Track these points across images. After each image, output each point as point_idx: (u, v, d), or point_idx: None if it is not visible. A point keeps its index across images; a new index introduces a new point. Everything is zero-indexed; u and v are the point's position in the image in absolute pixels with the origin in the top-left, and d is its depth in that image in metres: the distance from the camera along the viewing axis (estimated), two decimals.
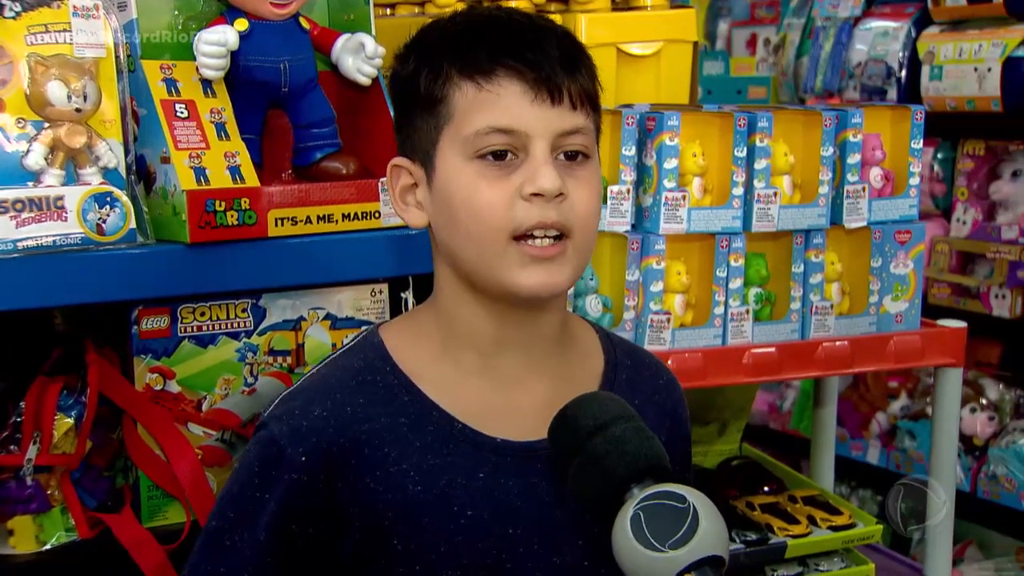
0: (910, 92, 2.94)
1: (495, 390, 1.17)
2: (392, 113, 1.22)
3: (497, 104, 1.10)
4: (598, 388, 1.21)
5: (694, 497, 1.00)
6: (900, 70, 2.98)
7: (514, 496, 1.15)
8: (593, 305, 1.65)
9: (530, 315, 1.16)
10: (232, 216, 1.43)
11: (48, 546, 1.45)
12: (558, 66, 1.11)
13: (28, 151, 1.34)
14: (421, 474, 1.12)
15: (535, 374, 1.18)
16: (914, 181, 1.81)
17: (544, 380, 1.18)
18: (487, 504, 1.14)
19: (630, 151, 1.65)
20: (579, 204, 1.11)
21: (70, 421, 1.44)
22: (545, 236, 1.10)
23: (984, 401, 2.89)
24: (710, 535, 0.98)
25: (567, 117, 1.11)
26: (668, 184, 1.64)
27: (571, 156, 1.12)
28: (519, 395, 1.17)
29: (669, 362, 1.64)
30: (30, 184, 1.33)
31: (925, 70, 2.87)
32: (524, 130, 1.10)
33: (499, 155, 1.10)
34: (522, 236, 1.09)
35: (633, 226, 1.67)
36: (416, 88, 1.14)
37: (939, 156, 3.02)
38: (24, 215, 1.31)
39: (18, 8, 1.34)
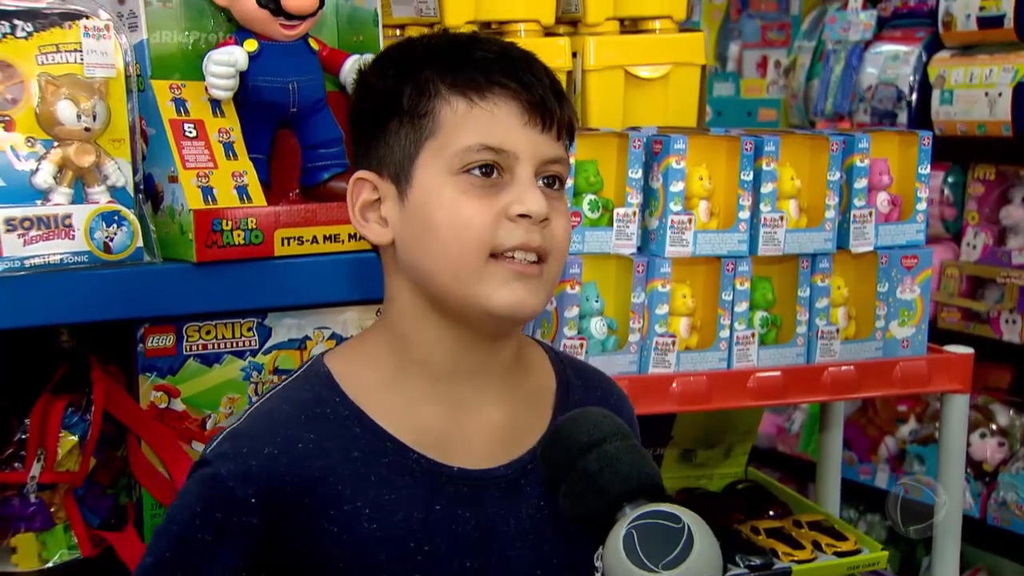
0: (920, 116, 2.94)
1: (448, 417, 1.14)
2: (354, 127, 1.19)
3: (490, 122, 1.09)
4: (551, 410, 1.19)
5: (688, 517, 0.97)
6: (911, 94, 2.98)
7: (471, 528, 1.12)
8: (598, 327, 1.65)
9: (490, 341, 1.13)
10: (239, 235, 1.43)
11: (50, 564, 1.45)
12: (551, 93, 1.11)
13: (37, 169, 1.35)
14: (376, 510, 1.09)
15: (488, 400, 1.15)
16: (921, 206, 1.81)
17: (497, 406, 1.16)
18: (444, 537, 1.11)
19: (636, 174, 1.65)
20: (558, 231, 1.11)
21: (74, 439, 1.44)
22: (525, 257, 1.08)
23: (994, 427, 2.87)
24: (704, 556, 0.96)
25: (552, 145, 1.11)
26: (674, 207, 1.65)
27: (549, 183, 1.12)
28: (472, 421, 1.14)
29: (674, 385, 1.64)
30: (39, 202, 1.34)
31: (936, 94, 2.88)
32: (513, 151, 1.09)
33: (486, 171, 1.08)
34: (500, 254, 1.08)
35: (639, 249, 1.67)
36: (396, 101, 1.11)
37: (949, 180, 3.02)
38: (32, 233, 1.32)
39: (30, 28, 1.35)
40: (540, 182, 1.11)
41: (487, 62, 1.11)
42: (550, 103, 1.11)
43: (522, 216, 1.08)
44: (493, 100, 1.09)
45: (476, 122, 1.09)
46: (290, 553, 1.08)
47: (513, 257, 1.08)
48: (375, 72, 1.16)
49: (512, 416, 1.16)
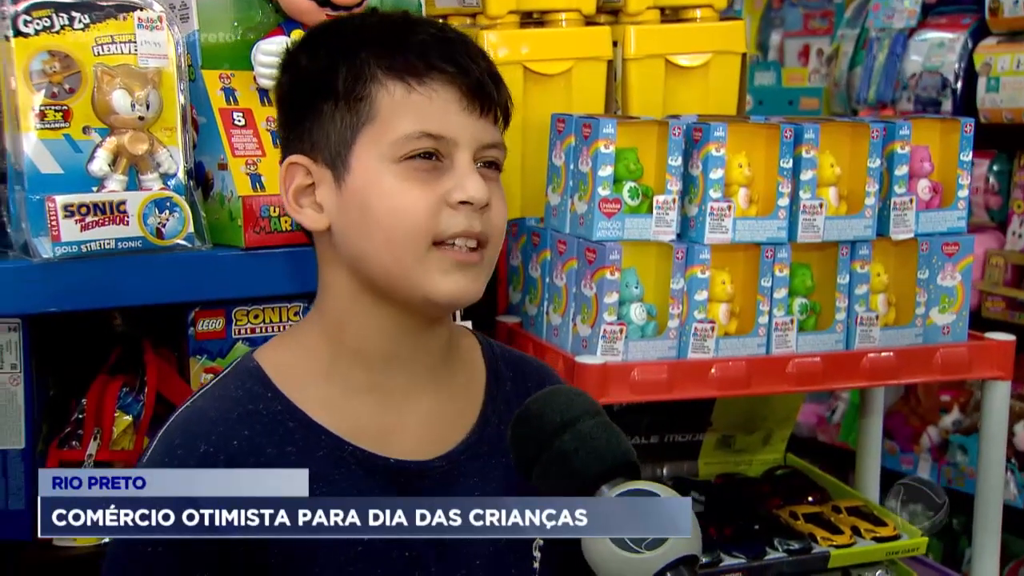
0: (965, 104, 2.91)
1: (384, 408, 1.12)
2: (283, 109, 1.15)
3: (428, 107, 1.07)
4: (480, 402, 1.18)
5: (667, 495, 0.96)
6: (956, 81, 2.95)
7: None
8: (637, 313, 1.67)
9: (425, 327, 1.12)
10: (286, 222, 1.47)
11: (106, 541, 1.49)
12: (487, 76, 1.10)
13: (93, 157, 1.39)
14: None
15: (421, 389, 1.14)
16: (963, 193, 1.80)
17: (429, 395, 1.15)
18: None
19: (676, 161, 1.66)
20: (496, 216, 1.10)
21: (129, 419, 1.49)
22: (466, 244, 1.08)
23: None
24: None
25: (490, 130, 1.10)
26: (714, 194, 1.66)
27: (487, 167, 1.11)
28: (407, 412, 1.13)
29: (713, 370, 1.66)
30: (94, 189, 1.38)
31: (982, 82, 2.85)
32: (453, 137, 1.07)
33: (426, 156, 1.07)
34: (442, 242, 1.07)
35: (678, 235, 1.68)
36: (330, 84, 1.08)
37: (995, 168, 2.99)
38: (88, 219, 1.36)
39: (87, 20, 1.39)
40: (478, 166, 1.09)
41: (424, 45, 1.08)
42: (488, 87, 1.09)
43: (463, 203, 1.07)
44: (431, 85, 1.07)
45: (414, 108, 1.07)
46: (234, 551, 1.04)
47: (454, 244, 1.07)
48: (306, 53, 1.12)
49: (444, 407, 1.15)
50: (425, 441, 1.13)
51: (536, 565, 1.15)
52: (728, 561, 1.74)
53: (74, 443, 1.49)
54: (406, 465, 1.11)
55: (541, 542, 1.15)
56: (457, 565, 1.12)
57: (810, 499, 1.93)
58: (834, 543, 1.78)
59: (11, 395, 1.50)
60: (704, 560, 1.71)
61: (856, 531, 1.82)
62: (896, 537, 1.82)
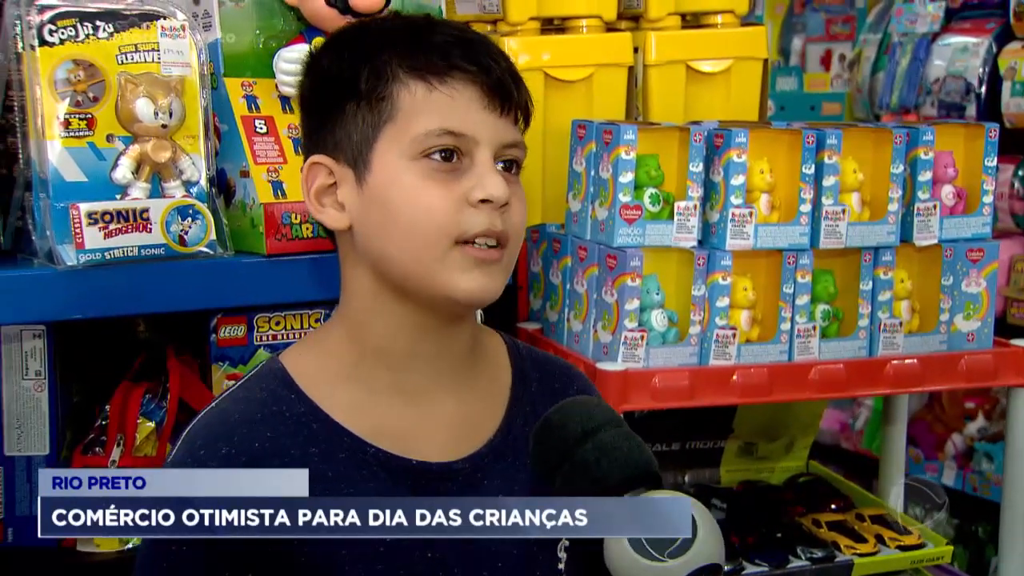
0: (990, 108, 2.89)
1: (407, 408, 1.13)
2: (306, 111, 1.17)
3: (449, 106, 1.08)
4: (507, 402, 1.18)
5: (690, 504, 0.96)
6: (980, 86, 2.93)
7: None
8: (659, 320, 1.66)
9: (447, 325, 1.13)
10: (307, 229, 1.47)
11: (129, 546, 1.50)
12: (508, 76, 1.11)
13: (116, 165, 1.39)
14: None
15: (445, 390, 1.14)
16: (987, 199, 1.79)
17: (454, 397, 1.15)
18: None
19: (697, 167, 1.66)
20: (516, 215, 1.10)
21: (152, 425, 1.50)
22: (486, 242, 1.08)
23: None
24: (708, 543, 0.95)
25: (510, 129, 1.11)
26: (735, 200, 1.65)
27: (507, 167, 1.11)
28: (431, 413, 1.13)
29: (734, 377, 1.65)
30: (118, 197, 1.39)
31: (1006, 86, 2.83)
32: (473, 135, 1.08)
33: (446, 155, 1.07)
34: (463, 241, 1.07)
35: (700, 242, 1.68)
36: (353, 84, 1.09)
37: (1020, 174, 2.96)
38: (112, 226, 1.36)
39: (111, 29, 1.40)
40: (499, 166, 1.10)
41: (446, 45, 1.09)
42: (508, 86, 1.10)
43: (483, 201, 1.07)
44: (452, 84, 1.08)
45: (436, 106, 1.08)
46: (259, 551, 1.04)
47: (474, 243, 1.08)
48: (329, 55, 1.14)
49: (468, 408, 1.15)
50: (449, 442, 1.13)
51: (561, 567, 1.15)
52: (750, 569, 1.73)
53: (97, 449, 1.50)
54: (429, 467, 1.11)
55: (567, 543, 1.14)
56: (480, 567, 1.11)
57: (833, 507, 1.92)
58: (858, 551, 1.77)
59: (36, 402, 1.51)
60: (726, 568, 1.70)
61: (880, 539, 1.81)
62: (921, 546, 1.80)
